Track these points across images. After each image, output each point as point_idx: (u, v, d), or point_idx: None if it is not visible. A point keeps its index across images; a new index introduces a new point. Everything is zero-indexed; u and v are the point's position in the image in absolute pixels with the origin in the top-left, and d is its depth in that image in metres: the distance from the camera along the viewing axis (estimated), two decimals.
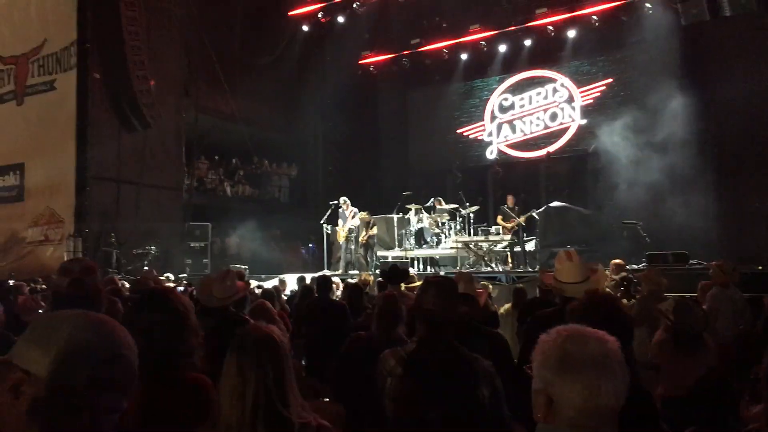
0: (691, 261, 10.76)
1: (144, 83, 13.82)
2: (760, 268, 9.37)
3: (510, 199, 13.51)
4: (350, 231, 14.03)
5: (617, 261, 7.95)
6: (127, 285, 7.40)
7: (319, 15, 16.85)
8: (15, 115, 14.67)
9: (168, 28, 14.60)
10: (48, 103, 14.14)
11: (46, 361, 1.26)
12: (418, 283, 7.67)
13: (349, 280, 9.28)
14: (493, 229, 13.76)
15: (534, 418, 1.63)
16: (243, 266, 13.30)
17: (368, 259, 14.06)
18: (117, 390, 1.32)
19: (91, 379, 1.26)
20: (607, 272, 7.27)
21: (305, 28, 17.12)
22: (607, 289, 6.82)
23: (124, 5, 13.54)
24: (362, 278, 8.44)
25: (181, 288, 8.64)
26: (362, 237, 14.02)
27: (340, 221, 14.15)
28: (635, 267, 10.20)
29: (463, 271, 9.43)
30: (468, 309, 3.25)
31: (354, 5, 16.38)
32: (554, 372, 1.57)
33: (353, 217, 13.96)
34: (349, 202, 14.11)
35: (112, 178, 13.92)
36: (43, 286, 9.30)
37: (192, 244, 14.80)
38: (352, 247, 14.11)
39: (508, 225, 13.13)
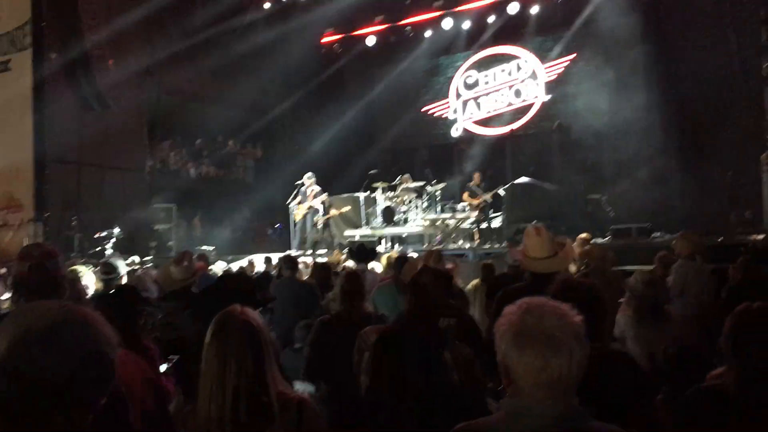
0: (654, 234, 10.96)
1: (103, 62, 13.51)
2: (720, 239, 9.56)
3: (476, 176, 13.54)
4: (309, 209, 13.80)
5: (583, 236, 8.04)
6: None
7: None
8: None
9: (128, 5, 14.24)
10: (3, 85, 13.72)
11: (3, 343, 1.23)
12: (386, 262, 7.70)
13: (318, 260, 9.25)
14: (459, 206, 13.82)
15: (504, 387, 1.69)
16: (209, 248, 13.18)
17: (329, 238, 13.99)
18: (96, 388, 1.29)
19: (69, 375, 1.23)
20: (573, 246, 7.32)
21: (268, 4, 16.86)
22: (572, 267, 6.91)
23: None
24: (332, 258, 8.42)
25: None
26: (322, 218, 13.85)
27: (299, 197, 13.94)
28: (600, 240, 10.36)
29: (432, 248, 9.46)
30: (459, 306, 3.27)
31: None
32: (509, 344, 1.63)
33: (315, 196, 13.77)
34: (313, 179, 13.87)
35: (73, 161, 13.64)
36: (2, 270, 9.10)
37: (156, 227, 14.58)
38: (308, 226, 13.94)
39: (475, 202, 13.18)
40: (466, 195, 13.42)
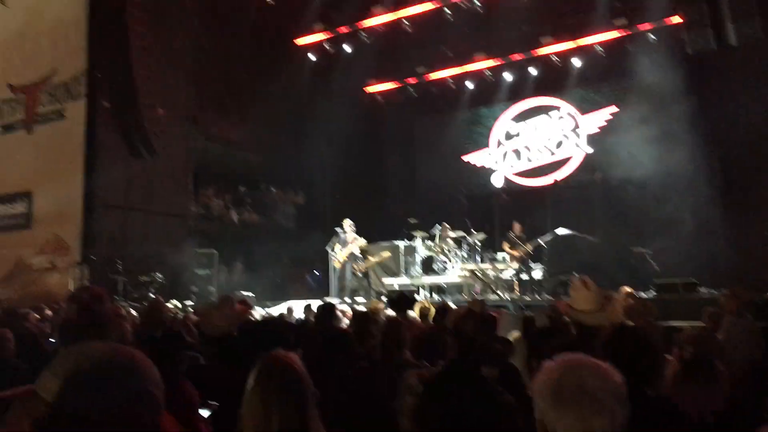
0: (700, 289, 10.69)
1: (152, 111, 13.92)
2: None
3: (516, 227, 13.40)
4: (348, 256, 13.83)
5: (627, 289, 7.87)
6: (133, 312, 7.37)
7: (326, 44, 17.01)
8: (25, 144, 14.78)
9: (177, 57, 14.74)
10: (57, 132, 14.25)
11: (55, 384, 1.24)
12: (433, 310, 7.64)
13: (357, 308, 9.23)
14: (499, 256, 13.71)
15: None
16: (249, 293, 13.27)
17: (367, 286, 13.96)
18: (141, 427, 1.29)
19: (116, 415, 1.23)
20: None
21: (312, 56, 17.27)
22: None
23: (134, 35, 13.69)
24: (372, 306, 8.39)
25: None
26: (360, 266, 13.86)
27: (337, 246, 13.99)
28: (644, 295, 10.13)
29: (475, 299, 9.37)
30: (503, 349, 3.23)
31: (360, 34, 16.54)
32: (548, 402, 1.59)
33: (353, 244, 13.82)
34: (352, 226, 13.94)
35: (119, 206, 13.96)
36: (49, 313, 9.29)
37: (198, 272, 14.77)
38: (348, 273, 13.96)
39: (515, 253, 13.04)
40: (506, 245, 13.30)
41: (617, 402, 1.55)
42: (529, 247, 12.87)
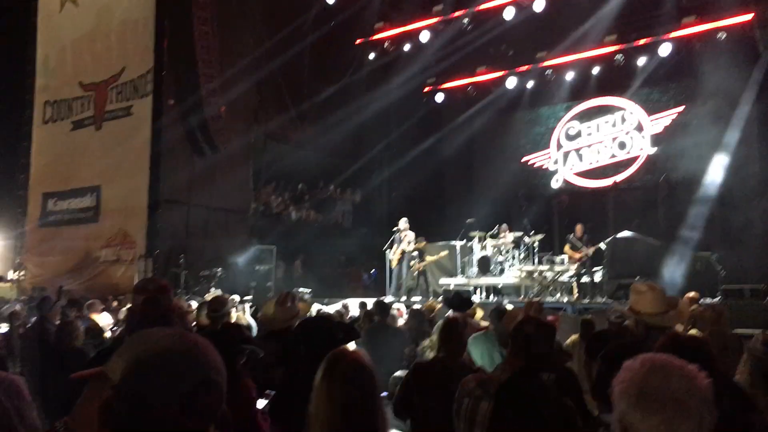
0: None
1: (215, 109, 14.23)
2: None
3: (578, 229, 13.10)
4: (402, 254, 13.85)
5: (690, 294, 7.66)
6: (194, 305, 7.54)
7: (386, 44, 17.06)
8: (94, 140, 15.31)
9: (240, 56, 15.02)
10: (125, 128, 14.71)
11: (120, 366, 1.28)
12: (480, 313, 7.58)
13: (414, 307, 9.23)
14: (558, 258, 13.49)
15: None
16: (306, 290, 13.41)
17: (424, 285, 13.92)
18: (205, 415, 1.30)
19: (180, 403, 1.25)
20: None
21: (372, 55, 17.35)
22: (679, 326, 6.56)
23: (199, 34, 14.03)
24: (428, 305, 8.38)
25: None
26: (418, 265, 13.86)
27: (395, 245, 14.03)
28: (709, 300, 9.81)
29: (530, 300, 9.26)
30: (568, 358, 3.19)
31: (420, 34, 16.52)
32: (632, 404, 1.51)
33: (409, 243, 13.83)
34: (407, 225, 13.95)
35: (182, 201, 14.31)
36: (115, 304, 9.60)
37: (257, 267, 15.00)
38: (404, 272, 13.96)
39: (576, 255, 12.79)
40: (567, 247, 13.06)
41: (705, 406, 1.48)
42: (590, 251, 12.61)
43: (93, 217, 14.99)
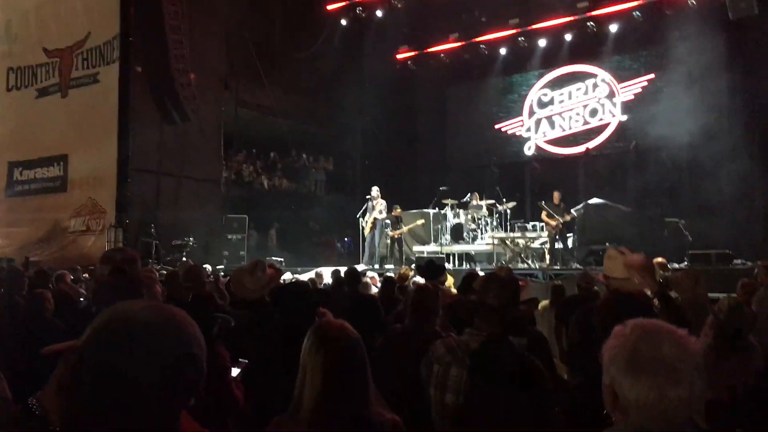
0: (735, 261, 10.51)
1: (184, 77, 13.98)
2: None
3: (556, 196, 13.03)
4: (374, 222, 13.89)
5: (659, 260, 7.77)
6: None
7: (358, 9, 16.85)
8: (59, 108, 14.98)
9: (209, 22, 14.74)
10: (91, 96, 14.41)
11: (96, 340, 1.23)
12: (450, 280, 7.64)
13: (387, 275, 9.26)
14: (530, 225, 13.61)
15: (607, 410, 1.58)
16: (279, 258, 13.39)
17: (398, 253, 13.98)
18: (187, 391, 1.27)
19: (161, 379, 1.21)
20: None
21: (344, 22, 17.14)
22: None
23: (166, 0, 13.71)
24: (401, 272, 8.40)
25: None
26: (394, 232, 13.94)
27: (367, 213, 14.06)
28: (677, 266, 10.00)
29: (502, 266, 9.33)
30: (528, 308, 3.19)
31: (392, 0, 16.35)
32: (622, 370, 1.51)
33: (381, 211, 13.86)
34: (378, 193, 13.97)
35: (152, 170, 14.13)
36: (85, 276, 9.48)
37: (229, 237, 14.93)
38: (377, 240, 14.00)
39: (552, 222, 12.86)
40: (544, 214, 13.08)
41: (695, 372, 1.47)
42: (567, 218, 12.66)
43: (61, 187, 14.74)
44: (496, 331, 2.70)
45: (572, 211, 12.82)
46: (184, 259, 12.20)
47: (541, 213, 13.09)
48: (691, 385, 1.45)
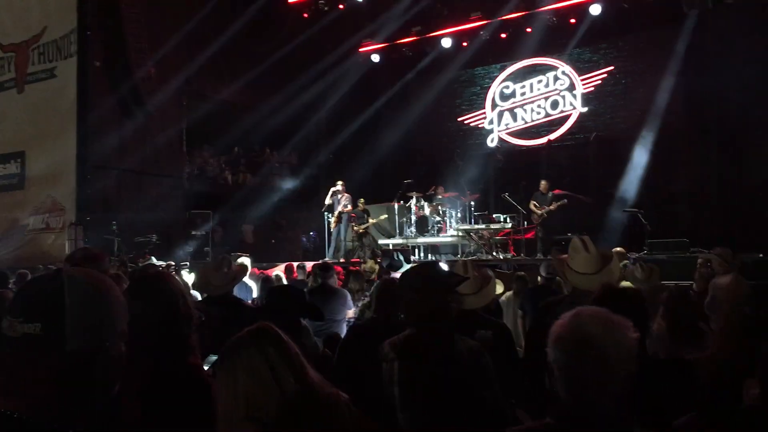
0: (692, 249, 10.78)
1: (145, 71, 13.79)
2: (761, 255, 9.38)
3: (543, 185, 13.15)
4: (339, 216, 13.97)
5: (619, 249, 7.93)
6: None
7: (320, 2, 16.76)
8: (16, 103, 14.65)
9: (169, 15, 14.53)
10: (49, 91, 14.12)
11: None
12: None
13: (351, 268, 9.30)
14: (495, 216, 13.74)
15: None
16: (245, 254, 13.32)
17: (363, 247, 14.04)
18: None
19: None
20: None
21: (306, 15, 17.05)
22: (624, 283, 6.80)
23: None
24: (367, 266, 8.46)
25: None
26: (359, 227, 14.00)
27: (333, 207, 14.13)
28: (636, 255, 10.21)
29: (459, 260, 9.43)
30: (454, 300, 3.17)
31: None
32: (554, 347, 1.67)
33: (345, 205, 13.94)
34: (343, 186, 14.08)
35: (113, 167, 13.91)
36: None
37: (193, 232, 14.80)
38: (342, 233, 14.08)
39: (539, 211, 12.95)
40: (532, 204, 13.14)
41: (621, 355, 1.59)
42: (553, 207, 12.76)
43: (18, 184, 14.43)
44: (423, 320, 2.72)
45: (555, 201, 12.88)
46: (148, 256, 12.07)
47: (530, 203, 13.14)
48: (609, 363, 1.58)
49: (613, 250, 7.88)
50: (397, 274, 6.70)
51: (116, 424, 1.61)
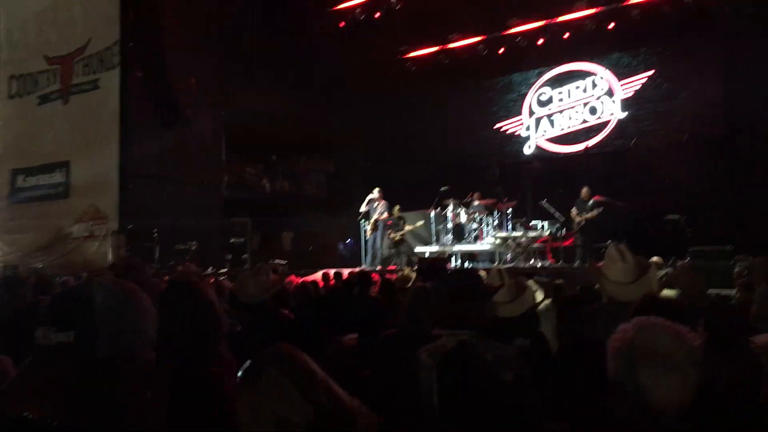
0: (735, 256, 10.51)
1: (183, 81, 14.01)
2: None
3: (584, 192, 13.07)
4: (376, 223, 14.01)
5: (655, 259, 7.77)
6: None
7: (357, 11, 16.85)
8: (60, 114, 15.02)
9: (208, 26, 14.76)
10: (92, 102, 14.44)
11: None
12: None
13: (387, 277, 9.29)
14: (532, 224, 13.62)
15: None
16: (282, 261, 13.43)
17: (400, 255, 14.03)
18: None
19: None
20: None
21: (342, 23, 17.14)
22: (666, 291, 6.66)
23: (164, 4, 13.75)
24: (403, 274, 8.43)
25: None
26: (394, 234, 13.98)
27: (369, 214, 14.17)
28: (680, 263, 10.01)
29: (494, 268, 9.36)
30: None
31: (392, 1, 16.33)
32: (621, 361, 1.63)
33: (382, 213, 13.98)
34: (380, 194, 14.13)
35: (153, 175, 14.15)
36: None
37: (232, 240, 14.97)
38: (379, 241, 14.10)
39: (577, 218, 12.84)
40: (573, 210, 13.05)
41: (691, 363, 1.57)
42: (593, 214, 12.64)
43: (63, 193, 14.77)
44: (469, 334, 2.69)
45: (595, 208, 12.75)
46: (186, 263, 12.23)
47: (571, 210, 13.08)
48: (684, 374, 1.56)
49: (651, 260, 7.75)
50: None
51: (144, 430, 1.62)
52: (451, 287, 2.78)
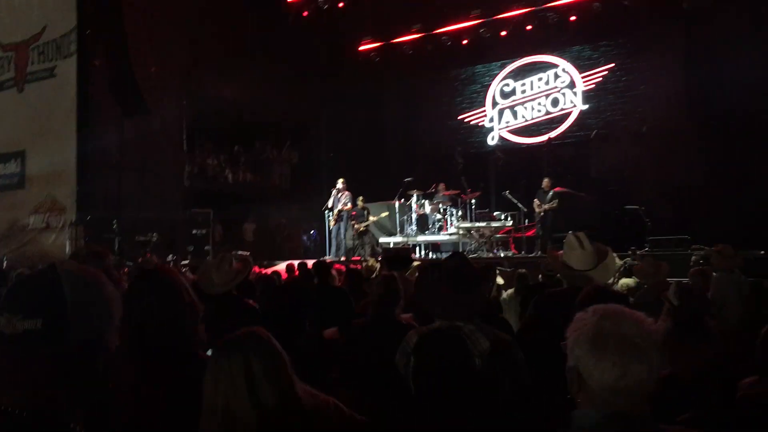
0: (693, 246, 10.77)
1: (144, 69, 13.76)
2: (762, 252, 9.37)
3: (545, 182, 13.23)
4: (339, 214, 14.00)
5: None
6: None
7: (320, 0, 16.72)
8: (16, 103, 14.64)
9: (169, 14, 14.51)
10: (48, 90, 14.10)
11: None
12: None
13: (352, 267, 9.28)
14: (495, 214, 13.75)
15: (571, 394, 1.65)
16: (244, 253, 13.31)
17: (364, 246, 14.05)
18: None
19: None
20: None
21: (305, 13, 17.01)
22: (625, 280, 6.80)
23: None
24: (368, 264, 8.43)
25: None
26: (359, 225, 14.01)
27: (334, 205, 14.15)
28: (638, 252, 10.22)
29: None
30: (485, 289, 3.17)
31: None
32: (585, 350, 1.58)
33: (346, 204, 13.96)
34: (344, 185, 14.11)
35: (113, 166, 13.89)
36: None
37: (194, 231, 14.79)
38: (343, 232, 14.10)
39: (537, 209, 13.01)
40: (536, 201, 13.20)
41: (655, 350, 1.56)
42: (552, 205, 12.80)
43: (19, 184, 14.42)
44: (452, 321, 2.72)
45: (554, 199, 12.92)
46: (147, 255, 12.05)
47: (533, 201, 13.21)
48: (651, 361, 1.54)
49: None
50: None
51: (112, 417, 1.60)
52: (447, 273, 2.80)
